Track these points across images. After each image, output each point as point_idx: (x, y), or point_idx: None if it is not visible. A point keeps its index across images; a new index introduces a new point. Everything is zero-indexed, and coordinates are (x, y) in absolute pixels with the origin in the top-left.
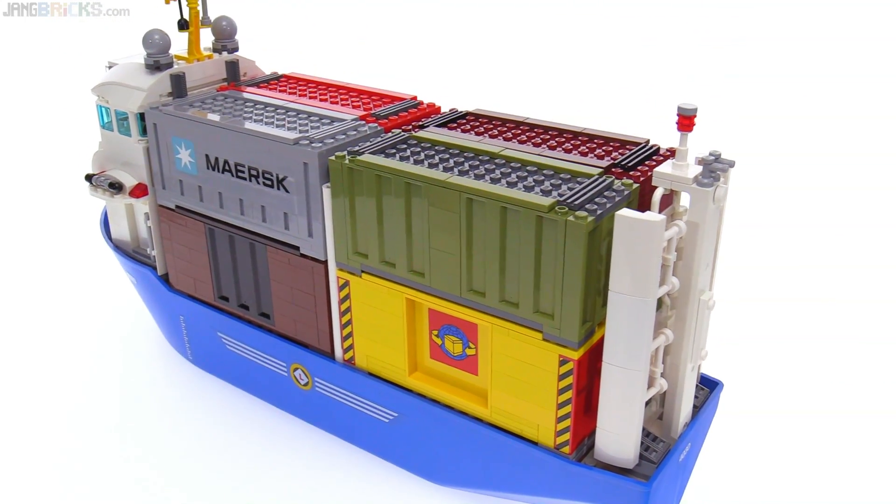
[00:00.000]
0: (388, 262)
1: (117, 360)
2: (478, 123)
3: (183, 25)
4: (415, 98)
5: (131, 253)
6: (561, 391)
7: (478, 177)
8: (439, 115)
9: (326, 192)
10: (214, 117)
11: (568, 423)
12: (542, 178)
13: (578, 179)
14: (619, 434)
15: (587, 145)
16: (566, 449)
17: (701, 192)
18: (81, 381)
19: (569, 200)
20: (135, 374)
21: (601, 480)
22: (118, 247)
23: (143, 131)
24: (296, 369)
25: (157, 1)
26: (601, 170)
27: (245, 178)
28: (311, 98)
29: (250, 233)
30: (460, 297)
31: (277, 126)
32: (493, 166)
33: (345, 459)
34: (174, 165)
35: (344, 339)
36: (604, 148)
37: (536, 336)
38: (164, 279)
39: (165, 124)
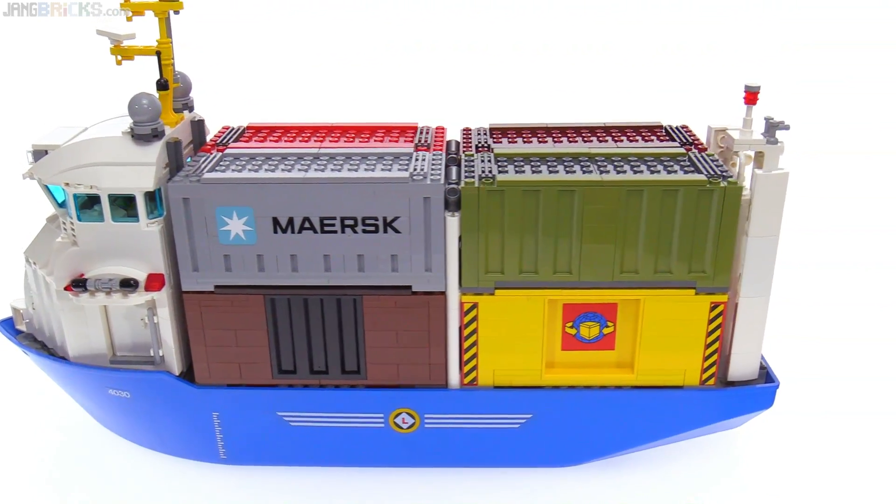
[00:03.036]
0: (529, 270)
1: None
2: (529, 133)
3: (164, 86)
4: (416, 126)
5: (108, 364)
6: (710, 333)
7: (602, 172)
8: (481, 134)
9: (452, 221)
10: (280, 176)
11: (714, 358)
12: (646, 164)
13: (678, 159)
14: (749, 353)
15: (627, 134)
16: (711, 381)
17: (773, 149)
18: None
19: (712, 174)
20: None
21: (744, 393)
22: (78, 362)
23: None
24: (397, 415)
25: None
26: (683, 150)
27: (335, 232)
28: (332, 142)
29: (337, 289)
30: (612, 281)
31: (366, 170)
32: (595, 163)
33: (464, 483)
34: (216, 240)
35: (465, 363)
36: (643, 133)
37: (689, 293)
38: (182, 378)
39: (207, 196)
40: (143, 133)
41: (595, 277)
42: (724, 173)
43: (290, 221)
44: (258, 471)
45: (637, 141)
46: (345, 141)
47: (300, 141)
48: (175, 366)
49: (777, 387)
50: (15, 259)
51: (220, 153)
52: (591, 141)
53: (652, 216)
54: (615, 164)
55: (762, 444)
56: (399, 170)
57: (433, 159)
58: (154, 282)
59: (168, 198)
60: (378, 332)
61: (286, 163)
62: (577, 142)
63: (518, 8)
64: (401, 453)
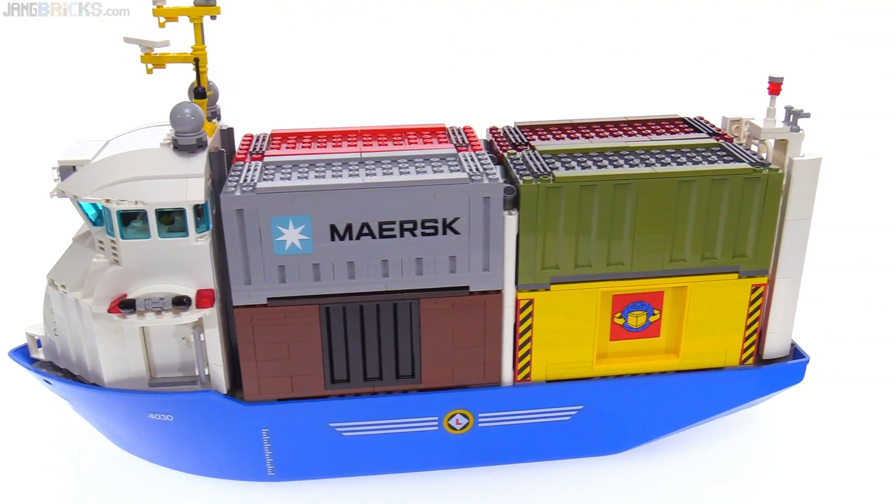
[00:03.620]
0: (584, 264)
1: None
2: (557, 130)
3: (202, 94)
4: (443, 126)
5: (148, 388)
6: (750, 314)
7: (647, 165)
8: (512, 132)
9: (510, 219)
10: (339, 182)
11: (753, 338)
12: (685, 155)
13: (712, 150)
14: (782, 332)
15: (651, 127)
16: (750, 361)
17: (796, 136)
18: None
19: (754, 162)
20: None
21: (780, 370)
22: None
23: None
24: (451, 417)
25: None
26: (714, 141)
27: (394, 236)
28: (369, 146)
29: (394, 293)
30: (662, 270)
31: (418, 172)
32: (637, 157)
33: (515, 479)
34: (271, 251)
35: (518, 360)
36: (666, 126)
37: (732, 277)
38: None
39: (262, 206)
40: (188, 144)
41: (646, 268)
42: (763, 161)
43: (349, 228)
44: (307, 486)
45: (664, 133)
46: (380, 144)
47: (333, 146)
48: (223, 384)
49: (808, 362)
50: (15, 285)
51: (260, 161)
52: (620, 135)
53: (700, 205)
54: (656, 156)
55: (784, 420)
56: (453, 171)
57: (480, 159)
58: (204, 298)
59: (220, 210)
60: (434, 334)
61: (333, 169)
62: (605, 136)
63: (496, 7)
64: (454, 455)
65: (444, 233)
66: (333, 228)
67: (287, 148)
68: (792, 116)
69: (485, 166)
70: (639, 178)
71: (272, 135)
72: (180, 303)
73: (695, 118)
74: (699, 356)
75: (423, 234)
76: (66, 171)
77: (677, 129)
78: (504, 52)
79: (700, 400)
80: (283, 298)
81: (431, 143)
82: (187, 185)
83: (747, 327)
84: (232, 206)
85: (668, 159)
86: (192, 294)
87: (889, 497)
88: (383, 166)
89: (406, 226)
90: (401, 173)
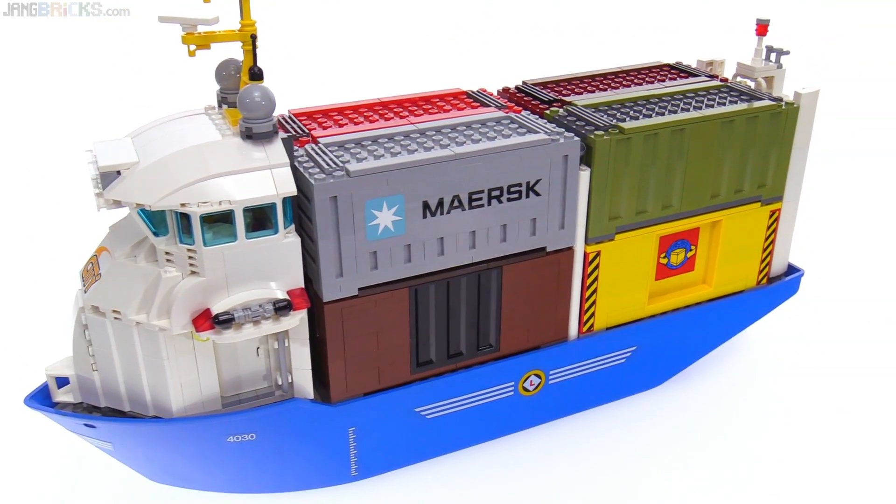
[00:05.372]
0: (642, 211)
1: None
2: (567, 84)
3: (258, 75)
4: (461, 90)
5: (222, 410)
6: (766, 238)
7: (676, 110)
8: (530, 91)
9: (584, 175)
10: (429, 156)
11: (768, 260)
12: (702, 98)
13: (721, 91)
14: (784, 252)
15: (650, 75)
16: (764, 281)
17: (780, 73)
18: None
19: (772, 99)
20: None
21: (785, 285)
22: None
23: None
24: (526, 379)
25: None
26: (715, 83)
27: (483, 205)
28: (416, 117)
29: (479, 264)
30: (704, 207)
31: (490, 139)
32: (664, 101)
33: (591, 423)
34: (363, 238)
35: (584, 312)
36: (664, 73)
37: (755, 206)
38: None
39: (356, 190)
40: (263, 131)
41: (690, 207)
42: (776, 98)
43: (440, 203)
44: (390, 478)
45: (665, 80)
46: (427, 114)
47: (383, 120)
48: (310, 389)
49: (803, 274)
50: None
51: (314, 144)
52: (630, 85)
53: (736, 142)
54: (680, 101)
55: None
56: (529, 133)
57: (533, 119)
58: (299, 299)
59: (313, 199)
60: (514, 300)
61: (398, 142)
62: (618, 88)
63: None
64: (526, 416)
65: (528, 196)
66: (426, 205)
67: (333, 127)
68: (774, 55)
69: (549, 126)
70: (692, 123)
71: (295, 115)
72: (282, 308)
73: (675, 63)
74: (727, 283)
75: (509, 199)
76: (108, 177)
77: (675, 76)
78: (455, 19)
79: (727, 323)
80: (373, 287)
81: (470, 107)
82: (273, 176)
83: (764, 250)
84: (326, 194)
85: (696, 104)
86: (282, 297)
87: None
88: (447, 136)
89: (493, 193)
90: (474, 141)
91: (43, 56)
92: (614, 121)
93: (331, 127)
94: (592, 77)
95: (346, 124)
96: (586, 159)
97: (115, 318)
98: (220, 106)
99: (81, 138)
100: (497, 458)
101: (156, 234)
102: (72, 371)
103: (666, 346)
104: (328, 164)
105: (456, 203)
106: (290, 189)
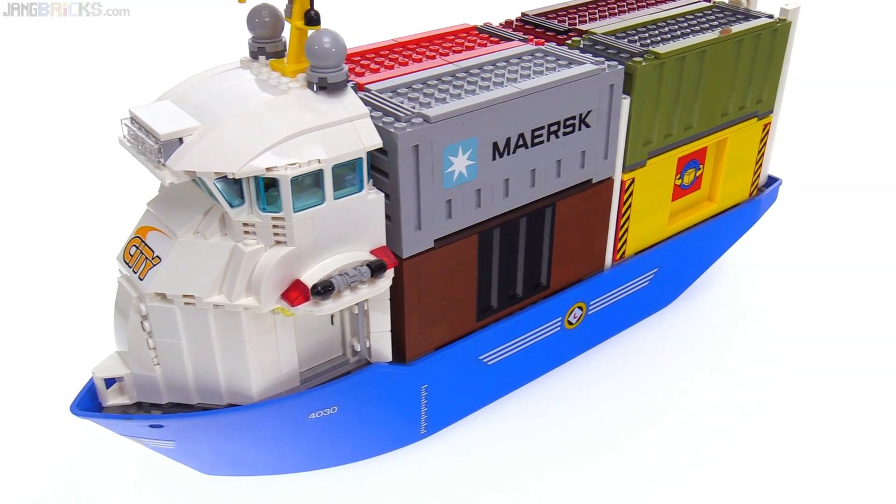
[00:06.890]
0: (668, 134)
1: None
2: (566, 13)
3: (315, 19)
4: (471, 25)
5: (299, 387)
6: (759, 151)
7: (689, 33)
8: (535, 22)
9: (625, 103)
10: (496, 95)
11: (759, 172)
12: (700, 19)
13: (714, 10)
14: (768, 164)
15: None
16: (755, 192)
17: None
18: None
19: (766, 16)
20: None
21: (770, 194)
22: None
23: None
24: (571, 313)
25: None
26: (705, 3)
27: (543, 142)
28: (433, 59)
29: (536, 203)
30: (715, 126)
31: (555, 70)
32: (670, 24)
33: (625, 343)
34: (441, 186)
35: (618, 240)
36: None
37: (753, 121)
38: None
39: (436, 136)
40: (338, 81)
41: (704, 127)
42: (769, 15)
43: (507, 143)
44: (452, 431)
45: (659, 4)
46: (447, 52)
47: (402, 65)
48: (388, 353)
49: (781, 182)
50: None
51: (362, 91)
52: (626, 11)
53: (744, 61)
54: (682, 24)
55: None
56: (567, 65)
57: (565, 50)
58: (386, 258)
59: (397, 149)
60: (564, 236)
61: (451, 83)
62: (617, 14)
63: None
64: (569, 347)
65: (580, 128)
66: (495, 146)
67: (370, 73)
68: None
69: (586, 56)
70: (712, 44)
71: None
72: (377, 269)
73: None
74: (728, 197)
75: (564, 133)
76: (170, 145)
77: None
78: None
79: (726, 235)
80: (447, 237)
81: (493, 42)
82: (356, 128)
83: (756, 163)
84: (408, 144)
85: (702, 25)
86: (373, 258)
87: None
88: (496, 73)
89: (552, 128)
90: (527, 77)
91: (43, 56)
92: (642, 47)
93: (368, 73)
94: (587, 4)
95: (381, 69)
96: (626, 87)
97: (187, 303)
98: (255, 57)
99: (81, 138)
100: (550, 393)
101: (230, 205)
102: (124, 370)
103: (680, 265)
104: (402, 112)
105: (520, 142)
106: (376, 141)
